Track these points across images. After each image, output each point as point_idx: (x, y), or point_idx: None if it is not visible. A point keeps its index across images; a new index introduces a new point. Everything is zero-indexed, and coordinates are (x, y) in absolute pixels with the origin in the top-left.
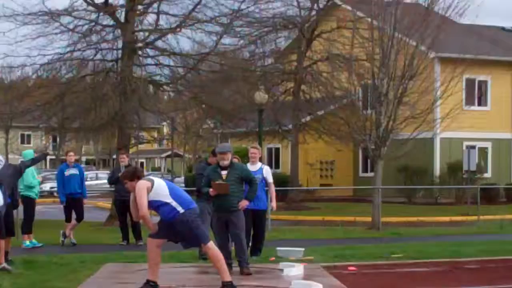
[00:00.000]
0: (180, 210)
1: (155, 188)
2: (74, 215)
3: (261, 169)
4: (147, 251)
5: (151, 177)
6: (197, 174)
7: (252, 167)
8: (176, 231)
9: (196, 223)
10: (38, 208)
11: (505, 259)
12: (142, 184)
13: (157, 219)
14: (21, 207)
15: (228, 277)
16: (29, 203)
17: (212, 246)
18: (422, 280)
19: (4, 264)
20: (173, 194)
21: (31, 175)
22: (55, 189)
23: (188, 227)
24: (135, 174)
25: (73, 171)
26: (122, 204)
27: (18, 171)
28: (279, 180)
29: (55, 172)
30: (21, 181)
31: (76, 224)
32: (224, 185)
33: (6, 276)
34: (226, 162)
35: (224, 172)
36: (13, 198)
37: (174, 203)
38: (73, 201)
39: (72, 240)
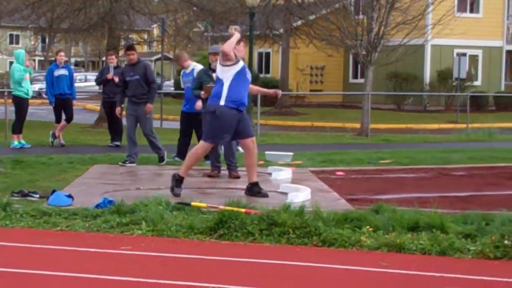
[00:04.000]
0: None
1: None
2: (63, 116)
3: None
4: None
5: None
6: None
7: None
8: None
9: None
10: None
11: (492, 166)
12: None
13: None
14: (12, 107)
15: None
16: (20, 102)
17: None
18: (409, 185)
19: None
20: None
21: (18, 71)
22: (44, 90)
23: None
24: None
25: (63, 71)
26: (110, 106)
27: None
28: (269, 85)
29: (44, 73)
30: (11, 79)
31: (65, 125)
32: None
33: None
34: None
35: (215, 75)
36: None
37: None
38: (62, 102)
39: (61, 141)
